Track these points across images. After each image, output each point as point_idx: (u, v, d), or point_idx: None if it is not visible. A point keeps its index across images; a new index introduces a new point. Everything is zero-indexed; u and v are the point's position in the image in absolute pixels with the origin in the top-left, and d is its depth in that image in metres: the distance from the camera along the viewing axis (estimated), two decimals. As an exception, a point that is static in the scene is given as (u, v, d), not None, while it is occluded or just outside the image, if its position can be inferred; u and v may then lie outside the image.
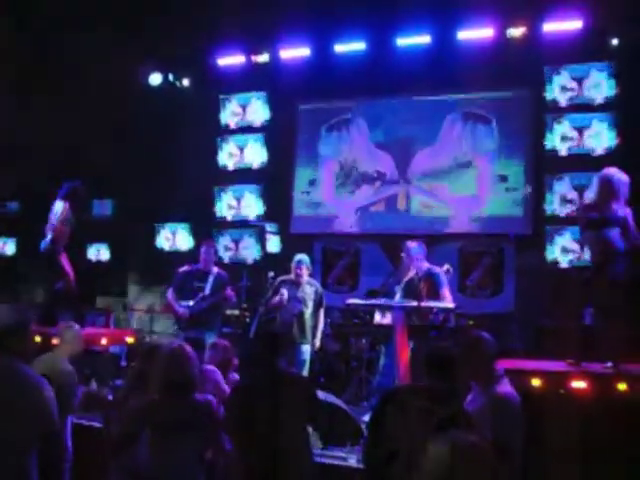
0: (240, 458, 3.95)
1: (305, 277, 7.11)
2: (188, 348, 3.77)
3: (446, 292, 6.56)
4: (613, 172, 5.65)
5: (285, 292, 7.02)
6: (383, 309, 7.36)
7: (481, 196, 9.37)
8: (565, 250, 8.68)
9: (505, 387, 3.78)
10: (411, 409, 3.31)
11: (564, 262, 8.68)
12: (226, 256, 10.57)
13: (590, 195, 5.78)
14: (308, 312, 7.02)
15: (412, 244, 6.81)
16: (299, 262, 7.09)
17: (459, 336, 6.68)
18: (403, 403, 3.36)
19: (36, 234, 7.65)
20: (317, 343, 7.16)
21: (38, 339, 7.00)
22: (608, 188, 5.55)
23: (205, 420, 3.68)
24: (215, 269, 7.32)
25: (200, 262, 7.28)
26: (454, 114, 9.59)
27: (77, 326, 5.29)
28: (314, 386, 4.29)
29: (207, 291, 7.10)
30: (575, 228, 8.40)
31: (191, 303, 7.06)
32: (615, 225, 5.50)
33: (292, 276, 7.12)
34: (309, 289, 7.11)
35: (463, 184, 9.45)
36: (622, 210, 5.52)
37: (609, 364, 5.39)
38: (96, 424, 6.00)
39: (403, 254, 7.01)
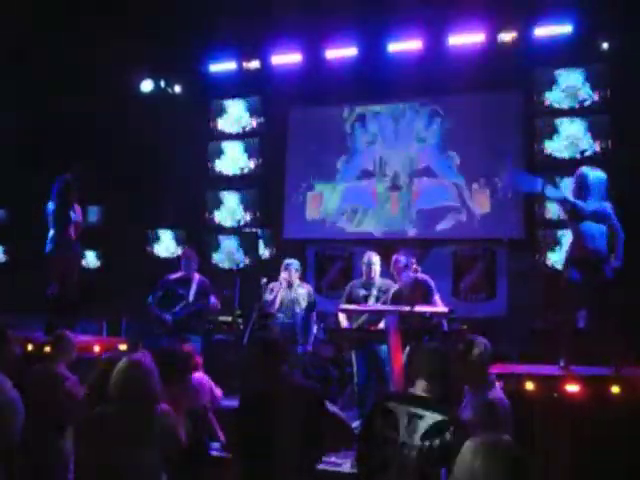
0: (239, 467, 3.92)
1: (296, 280, 7.20)
2: (147, 361, 3.62)
3: (437, 298, 6.59)
4: (588, 170, 5.71)
5: (276, 290, 7.11)
6: (376, 314, 7.35)
7: (473, 200, 9.39)
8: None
9: (497, 393, 3.77)
10: (402, 417, 3.29)
11: (558, 265, 8.68)
12: (218, 262, 10.55)
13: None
14: (300, 314, 7.09)
15: (400, 257, 6.83)
16: (287, 265, 7.22)
17: (454, 339, 6.68)
18: (394, 411, 3.33)
19: (24, 241, 7.64)
20: (309, 346, 7.21)
21: (30, 347, 7.00)
22: (584, 185, 5.61)
23: (164, 432, 3.55)
24: (197, 276, 7.43)
25: (182, 270, 7.39)
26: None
27: (69, 333, 5.25)
28: (323, 396, 4.12)
29: (191, 298, 7.25)
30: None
31: (176, 309, 7.17)
32: (606, 221, 5.53)
33: (283, 279, 7.20)
34: (301, 290, 7.20)
35: (454, 189, 9.48)
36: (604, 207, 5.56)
37: (610, 368, 5.39)
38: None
39: (391, 268, 7.00)
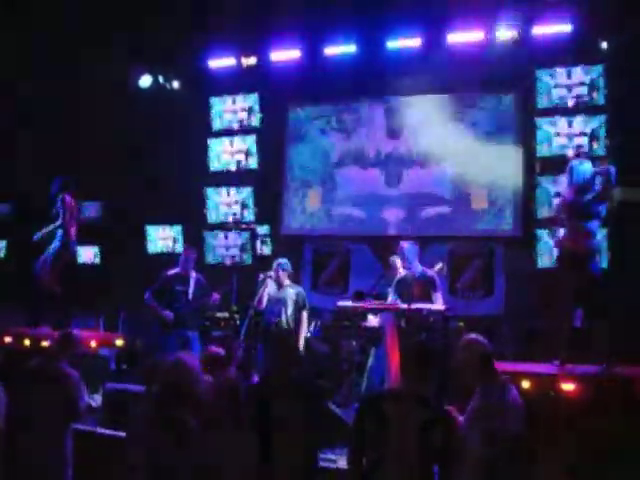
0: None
1: (285, 280, 7.21)
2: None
3: (439, 295, 6.62)
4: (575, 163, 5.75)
5: (267, 288, 7.15)
6: (374, 311, 7.35)
7: (470, 197, 9.40)
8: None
9: (512, 393, 3.70)
10: (390, 416, 3.29)
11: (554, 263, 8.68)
12: (217, 258, 10.55)
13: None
14: (287, 313, 7.08)
15: (406, 244, 6.86)
16: (277, 265, 7.25)
17: (451, 338, 6.69)
18: (382, 410, 3.33)
19: (26, 236, 7.68)
20: (300, 346, 7.16)
21: (27, 342, 7.03)
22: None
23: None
24: (194, 273, 7.50)
25: (179, 267, 7.46)
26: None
27: (75, 330, 5.28)
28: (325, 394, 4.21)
29: (190, 295, 7.35)
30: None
31: (176, 306, 7.25)
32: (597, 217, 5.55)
33: (271, 277, 7.24)
34: (290, 291, 7.19)
35: (452, 187, 9.49)
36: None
37: (602, 366, 5.40)
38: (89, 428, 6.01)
39: (395, 256, 7.04)
